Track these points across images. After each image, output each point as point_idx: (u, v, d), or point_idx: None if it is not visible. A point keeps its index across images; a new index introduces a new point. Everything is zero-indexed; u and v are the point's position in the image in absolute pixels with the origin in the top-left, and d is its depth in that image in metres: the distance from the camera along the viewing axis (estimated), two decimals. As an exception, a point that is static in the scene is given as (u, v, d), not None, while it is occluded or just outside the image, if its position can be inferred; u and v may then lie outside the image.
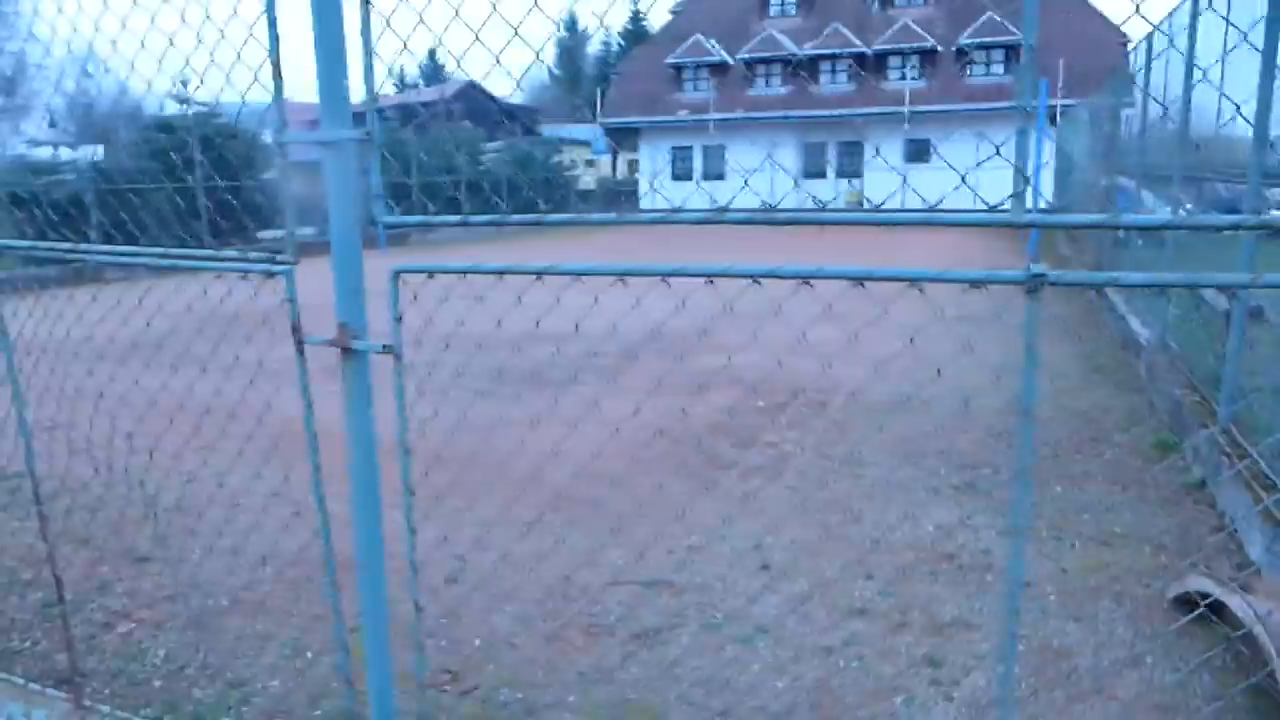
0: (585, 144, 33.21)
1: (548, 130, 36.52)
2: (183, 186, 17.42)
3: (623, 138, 33.17)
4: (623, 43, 61.14)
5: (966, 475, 5.49)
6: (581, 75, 64.54)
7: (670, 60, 32.56)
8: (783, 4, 32.87)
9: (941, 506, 5.00)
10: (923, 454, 5.92)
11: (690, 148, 32.26)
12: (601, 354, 8.81)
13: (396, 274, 1.85)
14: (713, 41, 31.55)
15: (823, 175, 30.45)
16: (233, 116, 19.99)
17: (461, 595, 4.00)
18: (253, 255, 2.01)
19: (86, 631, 3.72)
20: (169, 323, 4.36)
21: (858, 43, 30.43)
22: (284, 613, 3.85)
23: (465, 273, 1.84)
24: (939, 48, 29.75)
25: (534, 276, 1.77)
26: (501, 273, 1.80)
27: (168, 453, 5.73)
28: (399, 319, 1.87)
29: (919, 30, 30.04)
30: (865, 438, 6.29)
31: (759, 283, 1.63)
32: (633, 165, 41.53)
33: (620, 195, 33.59)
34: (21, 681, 2.97)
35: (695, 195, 29.25)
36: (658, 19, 60.83)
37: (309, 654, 3.52)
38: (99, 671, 3.41)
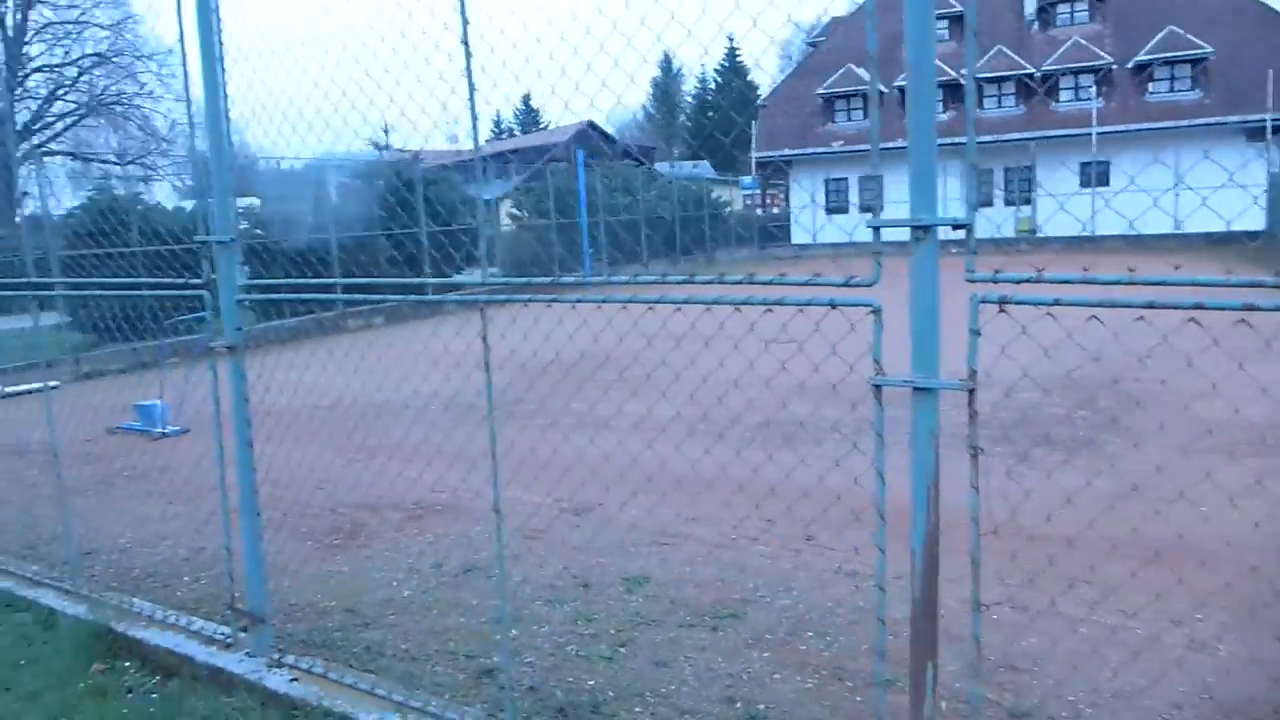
0: (734, 182, 32.44)
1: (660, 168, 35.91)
2: (404, 232, 16.98)
3: (769, 172, 32.33)
4: (719, 79, 60.90)
5: None
6: (676, 113, 64.44)
7: (820, 91, 31.68)
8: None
9: None
10: None
11: (845, 179, 31.21)
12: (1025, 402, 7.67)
13: None
14: (863, 70, 30.66)
15: (990, 204, 29.08)
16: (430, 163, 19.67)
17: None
18: None
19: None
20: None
21: (1024, 64, 29.21)
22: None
23: None
24: (1114, 64, 28.34)
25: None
26: None
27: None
28: None
29: (1092, 48, 28.70)
30: None
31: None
32: (749, 199, 40.60)
33: (768, 230, 32.64)
34: None
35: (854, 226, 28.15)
36: (748, 54, 60.34)
37: None
38: None
